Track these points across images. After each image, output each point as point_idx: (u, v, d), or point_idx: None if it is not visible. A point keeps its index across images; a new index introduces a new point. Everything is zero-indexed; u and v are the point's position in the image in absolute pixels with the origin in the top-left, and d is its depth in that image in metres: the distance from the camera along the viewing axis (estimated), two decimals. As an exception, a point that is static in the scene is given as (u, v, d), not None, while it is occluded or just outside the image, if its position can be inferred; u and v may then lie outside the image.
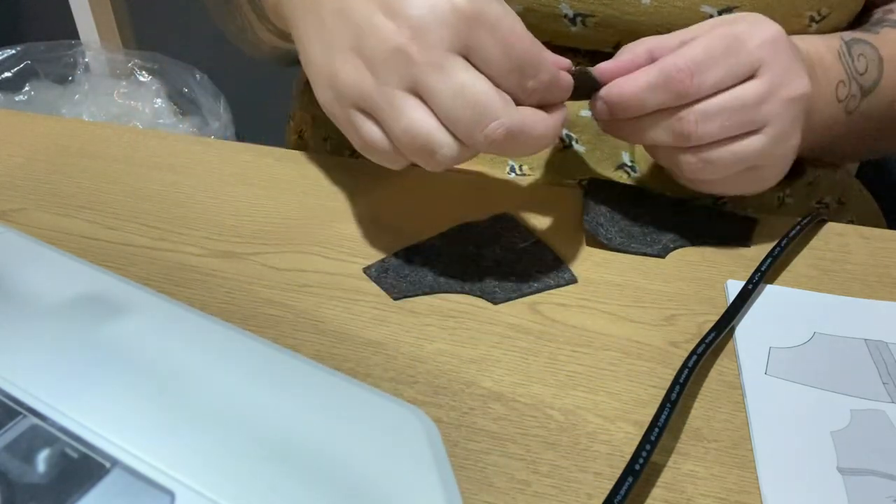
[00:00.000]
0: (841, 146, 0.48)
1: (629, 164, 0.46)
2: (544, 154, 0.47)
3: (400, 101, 0.31)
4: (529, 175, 0.47)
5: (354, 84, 0.32)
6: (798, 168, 0.50)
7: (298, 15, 0.35)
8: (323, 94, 0.34)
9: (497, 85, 0.31)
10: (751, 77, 0.36)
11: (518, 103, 0.32)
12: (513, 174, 0.48)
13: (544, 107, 0.33)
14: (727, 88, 0.35)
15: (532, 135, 0.32)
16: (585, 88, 0.37)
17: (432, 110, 0.31)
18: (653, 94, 0.36)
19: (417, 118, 0.31)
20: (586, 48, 0.45)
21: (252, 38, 0.52)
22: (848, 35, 0.44)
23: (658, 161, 0.40)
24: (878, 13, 0.49)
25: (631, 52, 0.38)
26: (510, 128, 0.31)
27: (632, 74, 0.36)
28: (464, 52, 0.31)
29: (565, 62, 0.35)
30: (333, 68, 0.33)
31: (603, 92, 0.37)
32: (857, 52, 0.43)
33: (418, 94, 0.31)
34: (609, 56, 0.39)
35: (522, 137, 0.32)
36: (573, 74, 0.35)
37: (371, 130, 0.33)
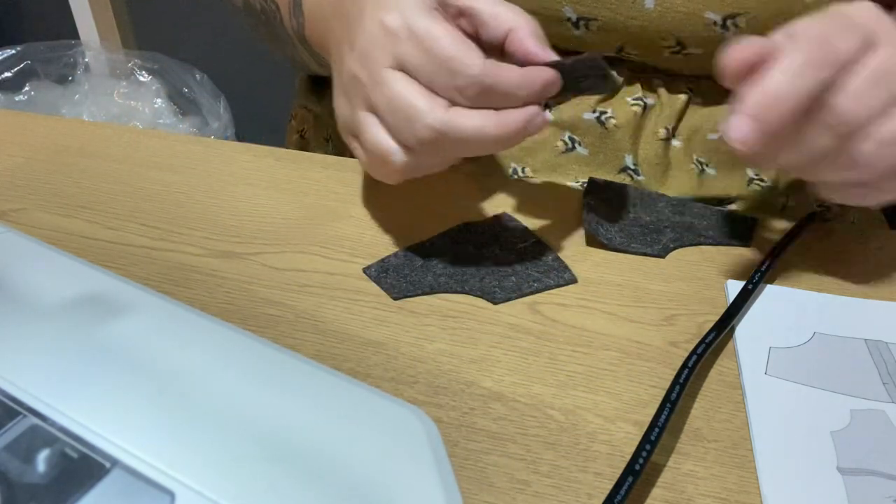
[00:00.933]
0: None
1: (632, 167, 0.46)
2: (546, 157, 0.47)
3: (363, 119, 0.34)
4: (532, 177, 0.47)
5: (342, 113, 0.37)
6: None
7: (333, 53, 0.39)
8: (338, 125, 0.38)
9: (433, 90, 0.32)
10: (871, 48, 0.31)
11: (465, 105, 0.32)
12: (515, 177, 0.48)
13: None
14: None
15: (465, 133, 0.32)
16: (591, 79, 0.35)
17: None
18: (803, 76, 0.30)
19: (373, 132, 0.34)
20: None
21: (304, 68, 0.54)
22: None
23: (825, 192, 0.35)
24: None
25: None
26: (435, 126, 0.32)
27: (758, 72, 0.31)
28: (398, 66, 0.33)
29: (544, 55, 0.33)
30: (335, 102, 0.37)
31: (741, 107, 0.31)
32: None
33: (372, 111, 0.34)
34: (609, 60, 0.38)
35: (455, 135, 0.32)
36: (564, 65, 0.33)
37: (358, 152, 0.37)
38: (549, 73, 0.33)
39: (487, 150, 0.33)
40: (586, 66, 0.34)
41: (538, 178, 0.47)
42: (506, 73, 0.32)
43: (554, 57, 0.34)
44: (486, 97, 0.32)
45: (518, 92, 0.32)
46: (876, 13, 0.33)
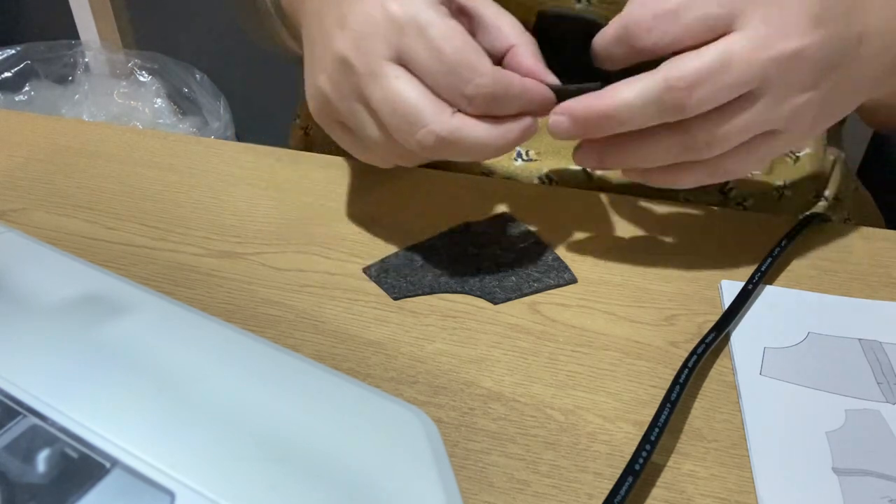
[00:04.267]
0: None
1: None
2: (550, 140, 0.47)
3: (355, 113, 0.33)
4: (536, 160, 0.47)
5: (321, 94, 0.34)
6: (798, 158, 0.50)
7: (305, 23, 0.37)
8: (310, 106, 0.36)
9: (436, 92, 0.31)
10: (729, 30, 0.31)
11: (468, 111, 0.31)
12: (519, 160, 0.47)
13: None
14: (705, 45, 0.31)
15: (467, 143, 0.31)
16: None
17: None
18: (644, 110, 0.31)
19: (368, 130, 0.33)
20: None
21: (280, 45, 0.53)
22: None
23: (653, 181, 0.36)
24: None
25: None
26: (440, 135, 0.31)
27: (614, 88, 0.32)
28: (399, 60, 0.31)
29: (545, 77, 0.33)
30: (310, 80, 0.35)
31: (566, 106, 0.32)
32: None
33: (365, 104, 0.32)
34: None
35: (459, 145, 0.31)
36: (569, 90, 0.33)
37: (342, 138, 0.35)
38: (548, 92, 0.32)
39: (480, 158, 0.33)
40: (579, 21, 0.34)
41: (541, 160, 0.47)
42: (517, 84, 0.31)
43: (554, 80, 0.34)
44: (489, 106, 0.31)
45: (522, 104, 0.32)
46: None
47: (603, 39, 0.33)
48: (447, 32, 0.31)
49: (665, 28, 0.31)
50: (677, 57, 0.31)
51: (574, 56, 0.34)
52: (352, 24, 0.32)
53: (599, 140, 0.33)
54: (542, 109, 0.33)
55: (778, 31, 0.30)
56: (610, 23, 0.33)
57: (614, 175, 0.47)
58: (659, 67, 0.31)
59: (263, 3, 0.49)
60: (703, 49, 0.30)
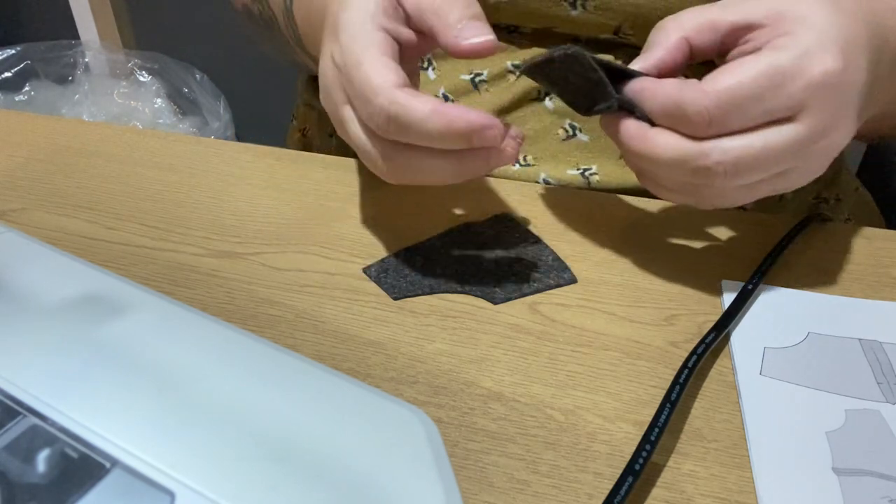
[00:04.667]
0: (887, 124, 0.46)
1: None
2: (548, 145, 0.47)
3: (344, 114, 0.35)
4: (534, 165, 0.47)
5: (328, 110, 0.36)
6: None
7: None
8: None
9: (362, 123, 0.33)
10: (789, 119, 0.31)
11: (384, 136, 0.32)
12: (517, 165, 0.48)
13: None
14: (757, 128, 0.31)
15: (411, 118, 0.30)
16: (580, 81, 0.33)
17: None
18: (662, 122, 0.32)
19: (351, 127, 0.34)
20: (586, 35, 0.45)
21: (292, 58, 0.54)
22: None
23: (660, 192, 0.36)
24: None
25: (663, 41, 0.34)
26: (385, 107, 0.31)
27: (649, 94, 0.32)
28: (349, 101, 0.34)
29: (489, 122, 0.31)
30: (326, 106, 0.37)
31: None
32: None
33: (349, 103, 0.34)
34: (607, 43, 0.38)
35: (403, 120, 0.31)
36: (534, 65, 0.33)
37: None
38: (475, 118, 0.30)
39: (441, 160, 0.32)
40: (561, 61, 0.32)
41: (540, 166, 0.47)
42: (414, 105, 0.30)
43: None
44: (398, 130, 0.31)
45: (429, 128, 0.30)
46: (823, 80, 0.31)
47: (650, 102, 0.32)
48: (359, 62, 0.32)
49: (727, 122, 0.31)
50: (726, 137, 0.31)
51: (578, 85, 0.34)
52: (321, 76, 0.35)
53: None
54: (484, 135, 0.31)
55: (833, 124, 0.31)
56: (657, 90, 0.32)
57: (612, 182, 0.47)
58: (707, 143, 0.31)
59: (282, 37, 0.50)
60: (754, 134, 0.31)
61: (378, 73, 0.31)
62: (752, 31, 0.33)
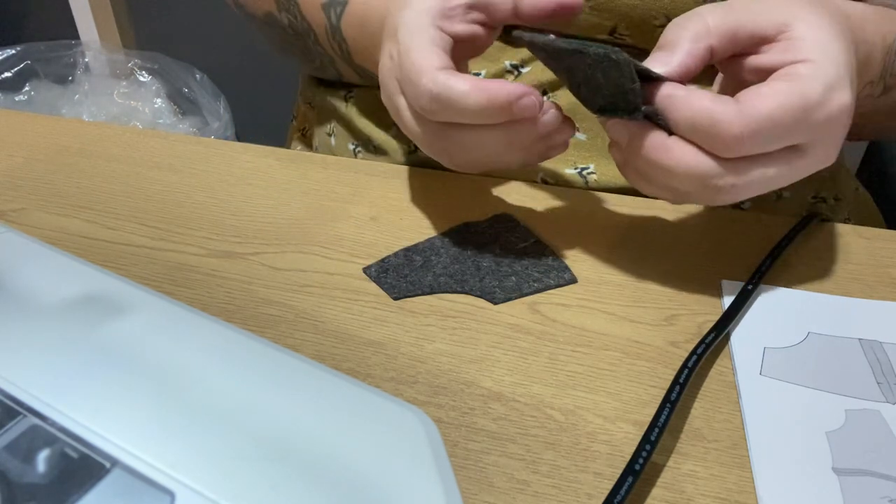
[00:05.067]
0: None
1: None
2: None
3: (398, 104, 0.37)
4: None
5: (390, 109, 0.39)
6: None
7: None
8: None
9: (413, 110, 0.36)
10: (801, 147, 0.32)
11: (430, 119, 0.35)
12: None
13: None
14: (773, 154, 0.32)
15: (453, 95, 0.33)
16: (605, 76, 0.32)
17: None
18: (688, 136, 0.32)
19: (404, 115, 0.37)
20: (582, 35, 0.45)
21: (332, 73, 0.54)
22: None
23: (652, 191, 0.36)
24: None
25: (688, 45, 0.33)
26: (430, 88, 0.33)
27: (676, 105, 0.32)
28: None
29: (523, 91, 0.33)
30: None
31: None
32: None
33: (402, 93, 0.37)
34: (602, 43, 0.37)
35: (446, 98, 0.33)
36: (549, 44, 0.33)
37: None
38: (514, 88, 0.32)
39: (489, 133, 0.34)
40: (597, 59, 0.31)
41: (538, 165, 0.47)
42: (454, 82, 0.33)
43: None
44: (445, 112, 0.33)
45: (470, 103, 0.32)
46: (839, 114, 0.31)
47: (678, 112, 0.32)
48: (409, 49, 0.34)
49: (752, 147, 0.31)
50: (745, 161, 0.32)
51: (602, 85, 0.33)
52: (380, 74, 0.38)
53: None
54: (523, 107, 0.33)
55: (835, 152, 0.33)
56: (690, 102, 0.31)
57: (610, 181, 0.47)
58: (727, 164, 0.31)
59: (317, 48, 0.51)
60: (771, 162, 0.32)
61: (424, 57, 0.33)
62: (765, 43, 0.33)
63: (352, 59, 0.48)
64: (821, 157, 0.33)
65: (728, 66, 0.35)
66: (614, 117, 0.34)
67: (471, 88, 0.32)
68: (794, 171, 0.32)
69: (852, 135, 0.51)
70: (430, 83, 0.33)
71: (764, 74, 0.32)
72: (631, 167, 0.35)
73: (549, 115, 0.35)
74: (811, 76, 0.31)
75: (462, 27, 0.36)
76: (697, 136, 0.31)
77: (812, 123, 0.31)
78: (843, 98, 0.31)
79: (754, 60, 0.33)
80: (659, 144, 0.32)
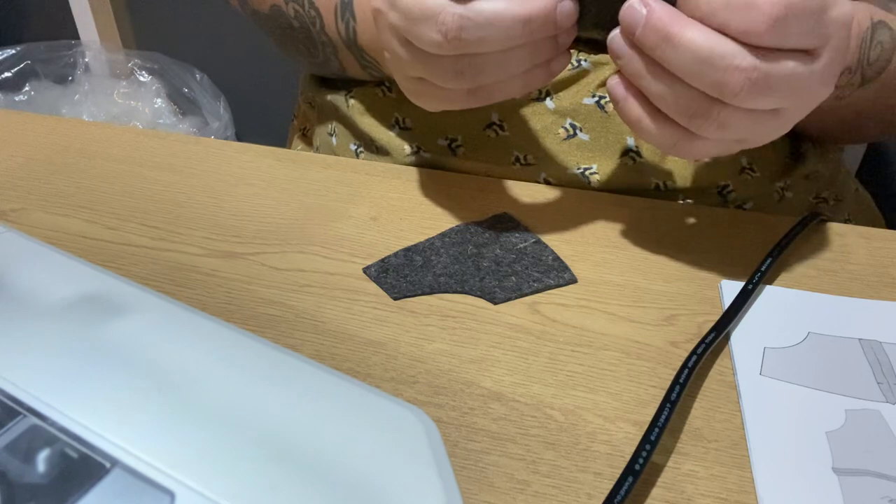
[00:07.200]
0: (820, 126, 0.48)
1: (634, 148, 0.46)
2: (548, 145, 0.47)
3: (395, 49, 0.36)
4: (534, 164, 0.47)
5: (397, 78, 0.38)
6: (798, 157, 0.50)
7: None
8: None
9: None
10: (813, 51, 0.31)
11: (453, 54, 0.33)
12: (518, 164, 0.48)
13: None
14: (788, 51, 0.31)
15: (485, 17, 0.32)
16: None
17: None
18: (722, 13, 0.30)
19: (403, 62, 0.36)
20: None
21: (334, 65, 0.54)
22: (877, 15, 0.42)
23: (651, 138, 0.35)
24: None
25: None
26: (451, 20, 0.32)
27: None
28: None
29: None
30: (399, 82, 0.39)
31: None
32: (877, 38, 0.42)
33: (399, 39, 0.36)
34: (603, 44, 0.37)
35: (476, 22, 0.32)
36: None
37: (418, 93, 0.38)
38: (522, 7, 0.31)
39: (512, 54, 0.33)
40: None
41: (541, 165, 0.47)
42: (484, 5, 0.31)
43: None
44: (468, 41, 0.32)
45: (508, 19, 0.31)
46: (847, 18, 0.31)
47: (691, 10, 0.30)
48: None
49: (777, 36, 0.30)
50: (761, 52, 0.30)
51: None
52: (376, 26, 0.36)
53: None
54: (564, 17, 0.32)
55: (838, 69, 0.32)
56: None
57: (612, 182, 0.47)
58: (740, 49, 0.30)
59: (323, 37, 0.50)
60: (785, 57, 0.30)
61: None
62: None
63: (357, 42, 0.48)
64: (829, 66, 0.31)
65: None
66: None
67: (507, 4, 0.31)
68: (809, 76, 0.31)
69: (853, 135, 0.51)
70: (453, 15, 0.31)
71: None
72: (637, 72, 0.33)
73: (565, 5, 0.33)
74: None
75: None
76: (728, 14, 0.30)
77: (828, 21, 0.30)
78: (846, 6, 0.31)
79: None
80: (671, 18, 0.31)
